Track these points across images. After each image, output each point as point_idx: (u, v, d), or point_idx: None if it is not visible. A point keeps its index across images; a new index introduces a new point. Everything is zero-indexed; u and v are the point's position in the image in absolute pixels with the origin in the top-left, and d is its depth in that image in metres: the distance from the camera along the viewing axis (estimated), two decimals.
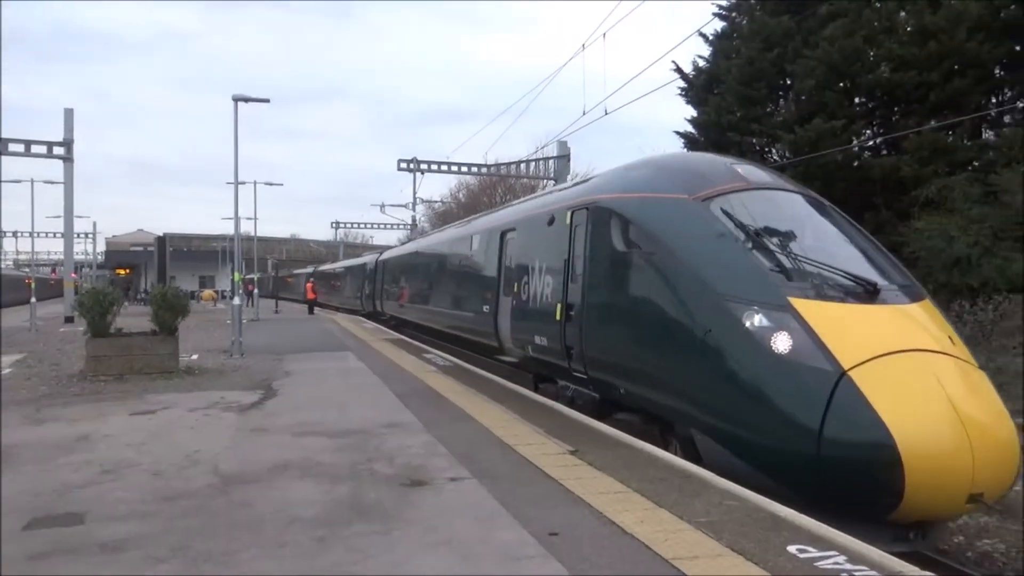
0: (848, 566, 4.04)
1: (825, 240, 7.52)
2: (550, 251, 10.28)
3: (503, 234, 12.87)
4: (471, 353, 15.33)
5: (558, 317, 9.49)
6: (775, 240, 7.19)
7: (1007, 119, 21.20)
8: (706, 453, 6.68)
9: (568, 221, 9.69)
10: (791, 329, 6.06)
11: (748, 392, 6.15)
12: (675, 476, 5.96)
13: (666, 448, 7.25)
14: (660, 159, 10.80)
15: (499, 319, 12.42)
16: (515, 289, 11.53)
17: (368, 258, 36.25)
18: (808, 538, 4.50)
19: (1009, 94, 22.10)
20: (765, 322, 6.21)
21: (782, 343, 6.02)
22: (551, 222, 10.41)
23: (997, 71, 21.60)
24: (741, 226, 7.24)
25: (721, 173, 8.23)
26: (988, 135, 21.99)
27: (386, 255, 30.71)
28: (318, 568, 4.12)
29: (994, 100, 22.24)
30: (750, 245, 7.05)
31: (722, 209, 7.42)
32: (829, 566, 4.05)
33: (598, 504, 5.18)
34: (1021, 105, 21.03)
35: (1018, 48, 20.68)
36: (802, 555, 4.21)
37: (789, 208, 7.94)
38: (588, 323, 8.77)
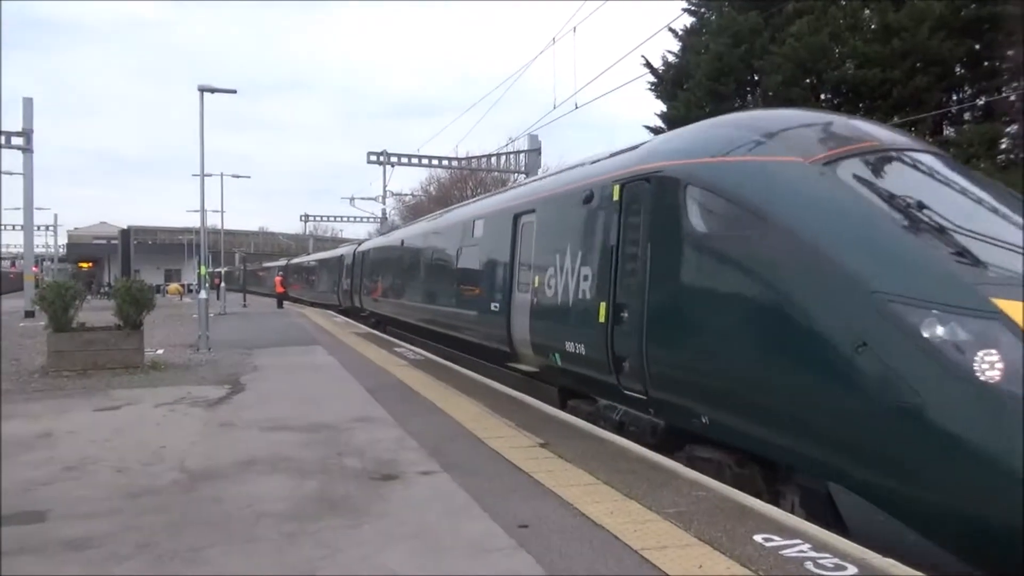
0: (813, 554, 4.12)
1: (1012, 221, 5.57)
2: (587, 236, 8.41)
3: (517, 217, 10.84)
4: (476, 360, 12.88)
5: (602, 319, 7.60)
6: (943, 217, 5.24)
7: (967, 116, 21.71)
8: (851, 514, 4.91)
9: (616, 197, 7.76)
10: (1006, 346, 4.27)
11: (935, 435, 4.34)
12: (644, 468, 6.01)
13: (774, 501, 5.54)
14: (745, 116, 8.27)
15: (513, 320, 10.47)
16: (536, 284, 9.58)
17: (345, 249, 33.90)
18: (774, 527, 4.57)
19: (969, 91, 22.61)
20: (961, 334, 4.39)
21: (993, 366, 4.23)
22: (588, 199, 8.43)
23: (958, 69, 22.08)
24: (889, 197, 5.42)
25: (842, 130, 6.54)
26: (949, 132, 22.49)
27: (367, 245, 28.14)
28: (287, 563, 4.09)
29: (955, 97, 22.75)
30: (909, 222, 5.19)
31: (855, 175, 5.68)
32: (794, 554, 4.12)
33: (568, 496, 5.21)
34: (981, 102, 21.51)
35: (978, 47, 21.16)
36: (768, 544, 4.28)
37: (945, 174, 6.09)
38: (653, 328, 6.77)
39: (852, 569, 3.89)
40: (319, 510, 5.00)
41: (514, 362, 10.68)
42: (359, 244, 30.85)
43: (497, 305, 11.16)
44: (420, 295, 17.25)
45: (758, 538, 4.37)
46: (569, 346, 8.48)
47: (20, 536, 4.56)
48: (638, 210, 7.35)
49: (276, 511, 4.99)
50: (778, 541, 4.32)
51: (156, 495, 5.41)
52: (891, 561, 4.04)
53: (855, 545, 4.29)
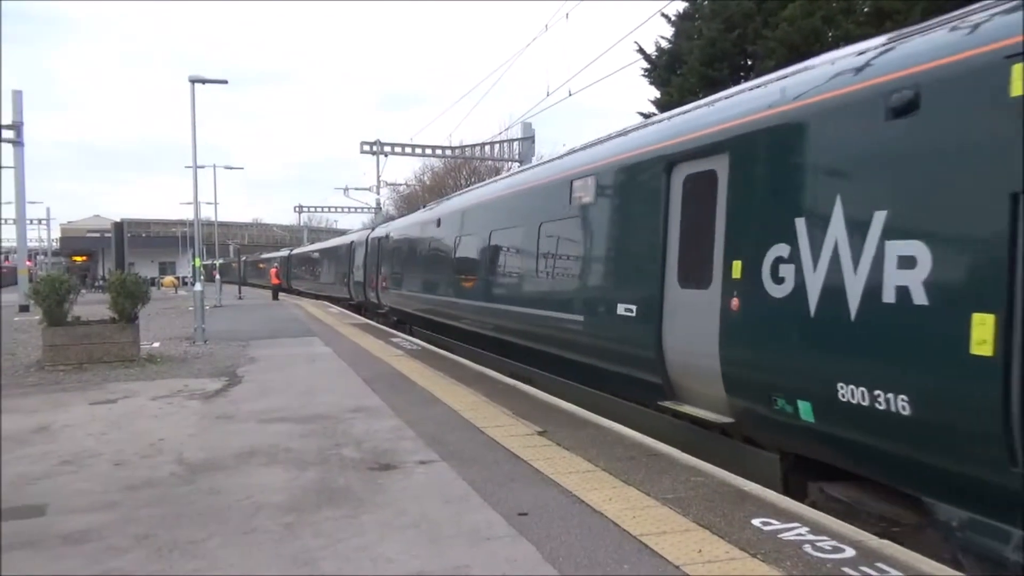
0: (811, 536, 4.14)
1: None
2: (911, 179, 4.59)
3: (672, 169, 7.14)
4: (583, 389, 9.14)
5: (982, 347, 3.99)
6: None
7: None
8: None
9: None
10: None
11: None
12: (642, 454, 6.03)
13: None
14: None
15: (669, 331, 6.99)
16: (741, 272, 5.93)
17: (357, 235, 30.04)
18: (772, 511, 4.59)
19: None
20: None
21: None
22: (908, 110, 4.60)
23: None
24: None
25: None
26: None
27: (385, 229, 23.78)
28: (286, 554, 4.09)
29: None
30: None
31: None
32: (792, 537, 4.14)
33: (567, 484, 5.22)
34: None
35: None
36: (766, 527, 4.30)
37: None
38: None
39: (850, 551, 3.91)
40: (318, 501, 5.01)
41: (670, 399, 7.08)
42: (373, 228, 27.03)
43: (632, 308, 7.59)
44: (469, 290, 13.31)
45: (756, 522, 4.39)
46: (851, 391, 4.79)
47: (19, 530, 4.55)
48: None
49: (275, 502, 4.99)
50: (776, 525, 4.34)
51: (154, 488, 5.41)
52: (886, 542, 4.07)
53: (852, 528, 4.32)
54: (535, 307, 10.19)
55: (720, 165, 6.39)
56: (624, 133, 9.07)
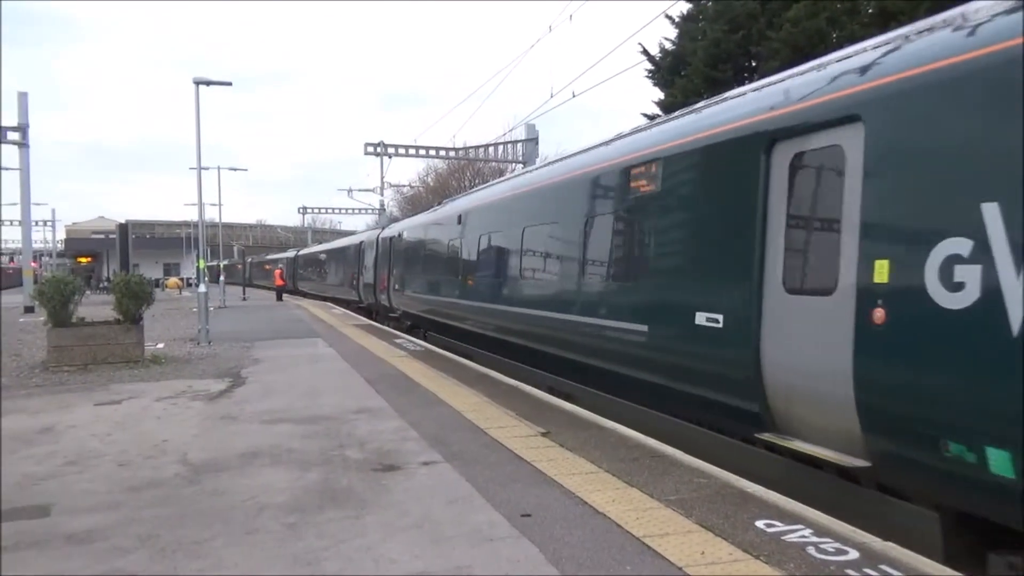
0: (814, 538, 4.13)
1: None
2: None
3: (772, 149, 5.92)
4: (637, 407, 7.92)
5: None
6: None
7: None
8: None
9: None
10: None
11: None
12: (645, 456, 6.02)
13: None
14: None
15: (770, 345, 5.78)
16: (878, 276, 4.76)
17: (367, 235, 28.76)
18: (776, 513, 4.59)
19: None
20: None
21: None
22: None
23: None
24: None
25: None
26: None
27: (399, 227, 22.42)
28: (290, 554, 4.10)
29: None
30: None
31: None
32: (796, 539, 4.14)
33: (570, 485, 5.22)
34: None
35: None
36: (770, 529, 4.29)
37: None
38: None
39: (853, 553, 3.91)
40: (321, 501, 5.01)
41: (770, 431, 5.81)
42: (384, 227, 25.83)
43: (718, 317, 6.29)
44: (496, 293, 12.00)
45: (760, 524, 4.38)
46: None
47: (24, 530, 4.57)
48: None
49: (278, 503, 5.00)
50: (780, 527, 4.33)
51: (158, 488, 5.42)
52: (891, 544, 4.06)
53: (856, 530, 4.31)
54: (583, 314, 8.76)
55: (850, 138, 5.14)
56: (695, 111, 7.74)
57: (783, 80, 6.45)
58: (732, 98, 7.16)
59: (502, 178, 14.01)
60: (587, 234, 9.04)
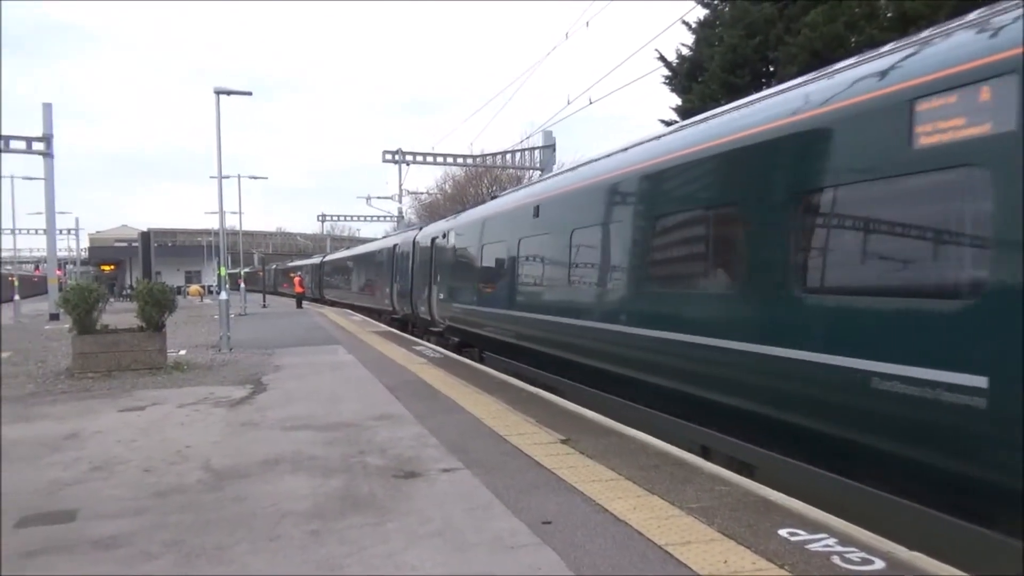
0: (839, 548, 4.09)
1: None
2: None
3: None
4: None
5: None
6: None
7: None
8: None
9: None
10: None
11: None
12: (666, 463, 6.00)
13: None
14: None
15: None
16: None
17: (402, 236, 25.07)
18: (799, 521, 4.55)
19: None
20: None
21: None
22: None
23: None
24: None
25: None
26: None
27: (442, 227, 18.87)
28: (312, 560, 4.12)
29: None
30: None
31: None
32: (820, 548, 4.10)
33: (590, 492, 5.21)
34: None
35: None
36: (793, 538, 4.25)
37: None
38: None
39: (879, 563, 3.86)
40: (343, 508, 5.04)
41: None
42: (421, 228, 22.87)
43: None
44: (602, 309, 8.99)
45: (783, 532, 4.35)
46: None
47: (51, 535, 4.63)
48: None
49: (300, 509, 5.03)
50: (803, 535, 4.30)
51: (182, 494, 5.47)
52: (917, 554, 4.00)
53: (881, 539, 4.25)
54: (826, 349, 5.22)
55: None
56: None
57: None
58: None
59: (606, 152, 10.10)
60: (765, 215, 6.06)
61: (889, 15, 22.25)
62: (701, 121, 7.91)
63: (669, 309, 7.55)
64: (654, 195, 8.28)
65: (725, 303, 6.64)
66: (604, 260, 9.18)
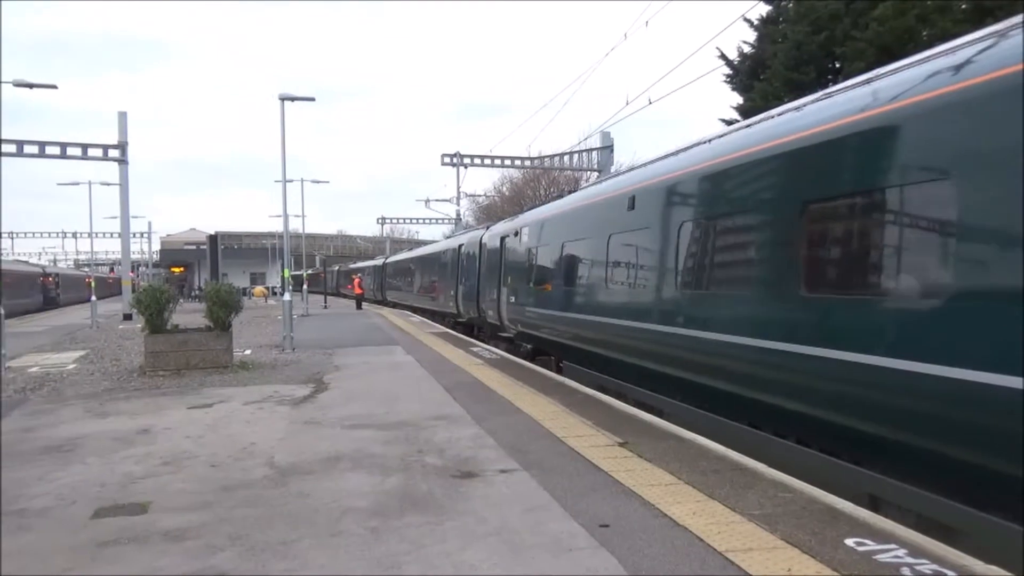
0: (909, 559, 3.94)
1: None
2: None
3: None
4: None
5: None
6: None
7: None
8: None
9: None
10: None
11: None
12: (727, 468, 5.88)
13: None
14: None
15: None
16: None
17: (468, 236, 23.71)
18: (867, 531, 4.40)
19: None
20: None
21: None
22: None
23: None
24: None
25: None
26: None
27: (513, 224, 17.19)
28: (373, 557, 4.18)
29: None
30: None
31: None
32: (889, 559, 3.95)
33: (649, 496, 5.14)
34: None
35: None
36: (860, 548, 4.12)
37: None
38: None
39: None
40: (402, 506, 5.10)
41: None
42: (488, 227, 21.23)
43: None
44: (716, 319, 7.48)
45: (850, 542, 4.21)
46: None
47: (124, 526, 4.81)
48: None
49: (361, 507, 5.10)
50: (871, 545, 4.15)
51: (247, 489, 5.62)
52: (996, 569, 3.83)
53: (954, 551, 4.08)
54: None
55: None
56: None
57: None
58: None
59: (728, 129, 8.75)
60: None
61: (964, 7, 21.40)
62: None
63: (845, 321, 5.58)
64: (787, 184, 6.41)
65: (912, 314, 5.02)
66: (731, 261, 7.61)
